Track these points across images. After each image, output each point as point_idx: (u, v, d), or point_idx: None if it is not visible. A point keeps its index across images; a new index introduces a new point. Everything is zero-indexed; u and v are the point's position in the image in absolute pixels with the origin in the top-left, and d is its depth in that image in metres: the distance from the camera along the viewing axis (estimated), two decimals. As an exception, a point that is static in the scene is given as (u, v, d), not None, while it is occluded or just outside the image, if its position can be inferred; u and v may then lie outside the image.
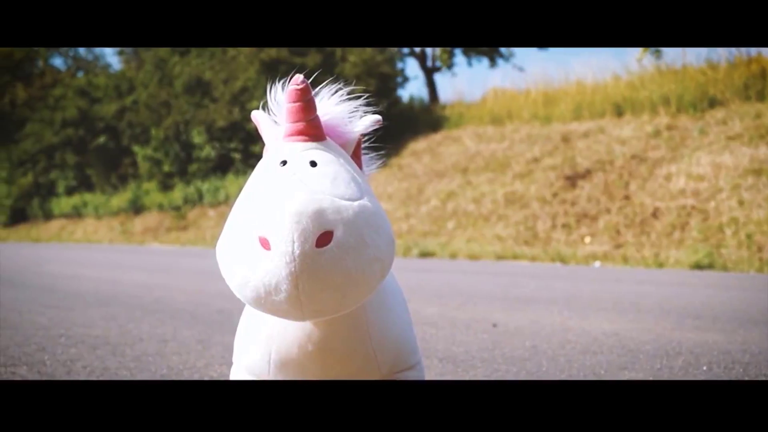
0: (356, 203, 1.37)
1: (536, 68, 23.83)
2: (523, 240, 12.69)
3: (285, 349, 1.52)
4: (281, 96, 1.53)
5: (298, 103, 1.44)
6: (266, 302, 1.35)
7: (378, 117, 1.56)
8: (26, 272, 9.35)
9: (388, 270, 1.42)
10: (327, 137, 1.50)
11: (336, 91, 1.58)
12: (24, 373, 3.25)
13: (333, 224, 1.32)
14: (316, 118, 1.47)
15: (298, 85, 1.43)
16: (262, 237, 1.32)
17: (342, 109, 1.56)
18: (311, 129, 1.46)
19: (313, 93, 1.47)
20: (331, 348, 1.51)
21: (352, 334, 1.51)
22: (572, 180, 13.53)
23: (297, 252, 1.29)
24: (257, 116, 1.58)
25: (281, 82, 1.56)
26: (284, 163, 1.42)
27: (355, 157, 1.56)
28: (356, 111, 1.58)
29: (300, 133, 1.46)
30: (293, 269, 1.30)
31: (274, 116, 1.57)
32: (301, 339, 1.50)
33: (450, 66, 20.93)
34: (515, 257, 11.79)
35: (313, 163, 1.41)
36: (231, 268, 1.38)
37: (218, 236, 1.45)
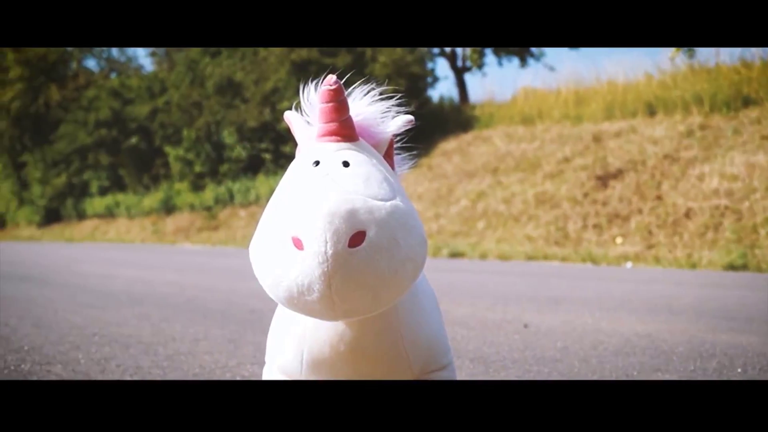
0: (389, 203, 1.37)
1: (567, 68, 23.72)
2: (554, 240, 12.62)
3: (317, 349, 1.53)
4: (314, 96, 1.54)
5: (331, 104, 1.45)
6: (299, 302, 1.36)
7: (410, 117, 1.56)
8: (60, 272, 9.46)
9: (420, 270, 1.42)
10: (359, 138, 1.51)
11: (368, 92, 1.58)
12: (59, 372, 3.29)
13: (365, 224, 1.32)
14: (349, 118, 1.47)
15: (331, 85, 1.44)
16: (295, 237, 1.32)
17: (374, 109, 1.56)
18: (344, 129, 1.46)
19: (345, 93, 1.47)
20: (363, 348, 1.51)
21: (384, 335, 1.51)
22: (604, 180, 13.44)
23: (330, 252, 1.29)
24: (290, 116, 1.59)
25: (314, 82, 1.57)
26: (317, 163, 1.42)
27: (388, 157, 1.56)
28: (388, 111, 1.58)
29: (333, 133, 1.46)
30: (326, 269, 1.30)
31: (306, 116, 1.57)
32: (334, 339, 1.51)
33: (480, 66, 20.87)
34: (546, 258, 11.73)
35: (346, 164, 1.42)
36: (264, 268, 1.38)
37: (250, 236, 1.46)
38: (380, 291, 1.35)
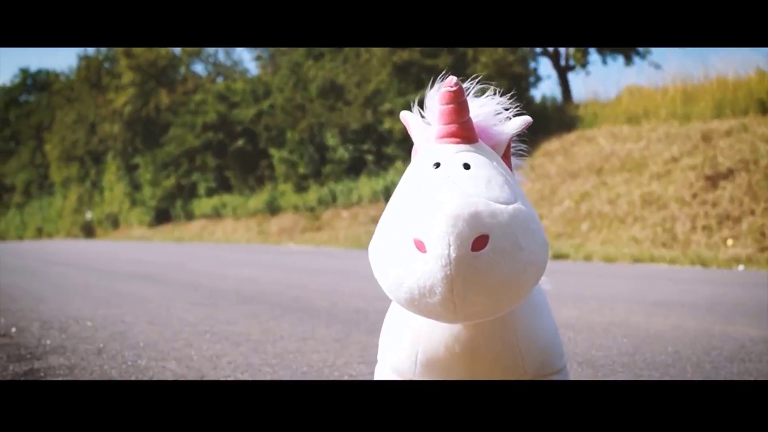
0: (511, 207, 1.37)
1: (673, 65, 23.12)
2: (661, 242, 12.32)
3: (432, 349, 1.53)
4: (433, 97, 1.54)
5: (451, 105, 1.45)
6: (420, 304, 1.36)
7: (528, 118, 1.55)
8: (172, 270, 9.75)
9: (542, 274, 1.42)
10: (479, 139, 1.51)
11: (486, 93, 1.58)
12: (173, 368, 3.40)
13: (489, 228, 1.32)
14: (469, 120, 1.47)
15: (451, 87, 1.44)
16: (417, 239, 1.33)
17: (493, 110, 1.56)
18: (464, 131, 1.46)
19: (465, 95, 1.47)
20: (479, 350, 1.51)
21: (500, 337, 1.51)
22: (713, 180, 13.04)
23: (453, 255, 1.30)
24: (406, 117, 1.60)
25: (434, 83, 1.57)
26: (437, 165, 1.43)
27: (505, 158, 1.56)
28: (505, 112, 1.57)
29: (453, 135, 1.46)
30: (449, 272, 1.30)
31: (422, 116, 1.59)
32: (449, 340, 1.51)
33: (584, 65, 20.54)
34: (653, 260, 11.45)
35: (467, 166, 1.42)
36: (385, 269, 1.40)
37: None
38: (502, 295, 1.35)
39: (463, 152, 1.45)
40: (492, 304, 1.36)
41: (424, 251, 1.32)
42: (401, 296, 1.38)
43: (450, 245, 1.30)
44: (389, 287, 1.40)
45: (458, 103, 1.44)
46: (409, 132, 1.59)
